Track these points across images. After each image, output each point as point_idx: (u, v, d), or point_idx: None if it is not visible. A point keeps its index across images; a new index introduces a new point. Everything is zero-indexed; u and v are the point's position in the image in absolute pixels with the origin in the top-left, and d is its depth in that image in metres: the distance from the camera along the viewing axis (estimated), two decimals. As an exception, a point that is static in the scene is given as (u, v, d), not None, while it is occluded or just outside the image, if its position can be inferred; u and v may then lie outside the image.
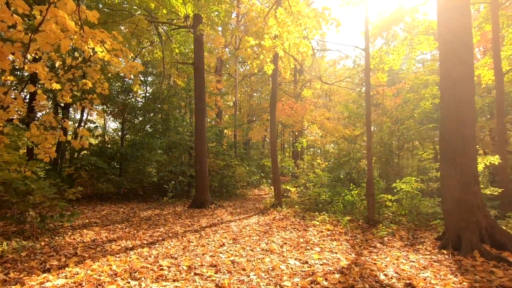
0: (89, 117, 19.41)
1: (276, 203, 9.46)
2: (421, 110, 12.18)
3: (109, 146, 12.62)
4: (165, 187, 11.21)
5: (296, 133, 20.62)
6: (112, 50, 5.60)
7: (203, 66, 9.99)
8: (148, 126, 14.16)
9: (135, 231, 5.98)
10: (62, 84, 5.93)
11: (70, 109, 16.13)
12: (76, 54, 7.35)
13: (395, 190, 7.86)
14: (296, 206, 9.27)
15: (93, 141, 15.44)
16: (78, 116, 17.36)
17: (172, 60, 10.37)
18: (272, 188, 12.43)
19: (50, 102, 15.85)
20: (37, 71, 4.61)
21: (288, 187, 10.35)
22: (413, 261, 4.36)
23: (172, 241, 5.25)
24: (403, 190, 7.46)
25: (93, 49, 5.37)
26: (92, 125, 14.58)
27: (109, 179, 10.80)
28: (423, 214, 7.26)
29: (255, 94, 27.25)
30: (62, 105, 13.53)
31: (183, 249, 4.78)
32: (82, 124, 16.50)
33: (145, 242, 5.15)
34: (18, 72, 9.24)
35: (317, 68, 10.94)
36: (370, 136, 7.03)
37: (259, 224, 6.99)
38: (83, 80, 6.05)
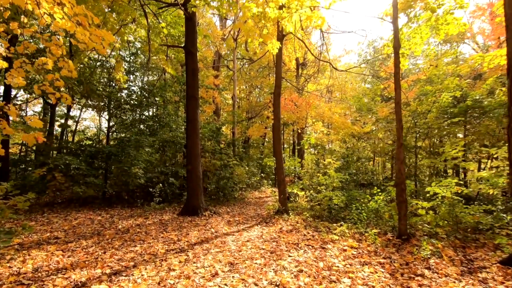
0: (83, 115, 18.01)
1: (281, 209, 8.06)
2: (439, 104, 10.87)
3: (90, 143, 11.19)
4: (151, 191, 9.78)
5: (299, 131, 19.23)
6: (73, 15, 4.19)
7: (196, 50, 8.58)
8: (139, 123, 12.79)
9: (101, 252, 4.56)
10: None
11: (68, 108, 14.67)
12: (25, 20, 5.92)
13: (427, 195, 6.49)
14: (305, 213, 7.87)
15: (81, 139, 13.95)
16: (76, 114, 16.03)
17: (161, 42, 8.94)
18: (275, 190, 11.05)
19: (28, 95, 14.42)
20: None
21: (295, 190, 8.96)
22: (493, 305, 2.97)
23: (146, 269, 3.84)
24: (439, 195, 6.08)
25: (50, 15, 3.97)
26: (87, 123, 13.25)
27: (87, 181, 9.38)
28: (466, 224, 5.90)
29: (254, 90, 25.85)
30: (51, 102, 12.16)
31: (159, 283, 3.37)
32: (73, 122, 15.10)
33: (108, 271, 3.73)
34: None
35: (326, 52, 9.57)
36: (401, 127, 5.64)
37: (263, 239, 5.59)
38: (42, 58, 4.63)
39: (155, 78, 16.18)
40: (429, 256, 4.46)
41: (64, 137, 14.28)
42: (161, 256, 4.42)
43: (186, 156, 8.67)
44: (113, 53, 9.36)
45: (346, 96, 20.45)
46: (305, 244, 5.10)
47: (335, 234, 5.70)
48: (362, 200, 6.96)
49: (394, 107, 5.76)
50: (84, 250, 4.65)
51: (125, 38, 7.55)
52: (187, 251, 4.69)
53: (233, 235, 5.91)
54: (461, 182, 6.02)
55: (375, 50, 25.19)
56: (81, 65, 9.25)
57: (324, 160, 10.12)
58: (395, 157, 7.31)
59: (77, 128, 15.55)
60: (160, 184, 9.94)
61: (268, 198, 13.20)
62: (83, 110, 15.29)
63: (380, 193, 6.48)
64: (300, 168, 12.67)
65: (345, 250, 4.80)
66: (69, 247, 4.77)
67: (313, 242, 5.28)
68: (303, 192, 8.71)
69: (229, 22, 22.79)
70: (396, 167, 5.67)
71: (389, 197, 6.56)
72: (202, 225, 6.81)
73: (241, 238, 5.65)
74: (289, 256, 4.48)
